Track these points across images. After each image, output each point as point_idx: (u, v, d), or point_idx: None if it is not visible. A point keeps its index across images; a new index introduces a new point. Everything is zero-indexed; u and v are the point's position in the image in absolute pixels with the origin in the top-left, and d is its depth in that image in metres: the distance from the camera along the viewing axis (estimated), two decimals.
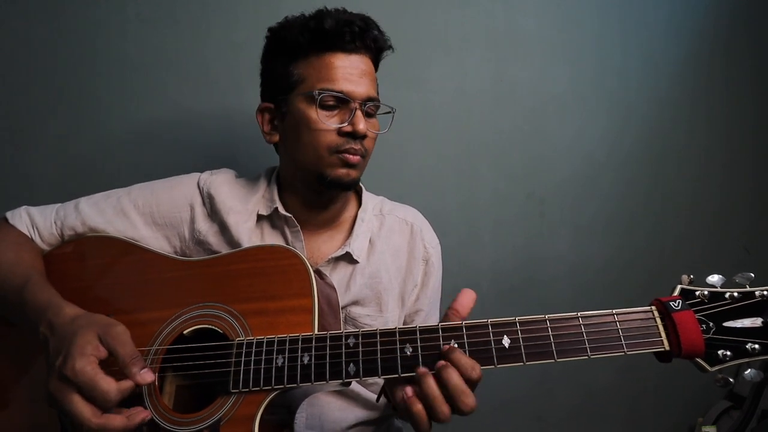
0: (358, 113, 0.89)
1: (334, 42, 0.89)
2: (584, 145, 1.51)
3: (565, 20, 1.47)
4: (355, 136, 0.89)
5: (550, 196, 1.50)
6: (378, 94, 0.98)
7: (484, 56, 1.44)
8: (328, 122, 0.89)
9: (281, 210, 0.95)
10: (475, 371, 0.64)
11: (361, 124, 0.88)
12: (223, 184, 0.98)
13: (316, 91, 0.88)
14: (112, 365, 0.67)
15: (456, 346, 0.66)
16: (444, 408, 0.63)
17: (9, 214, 0.92)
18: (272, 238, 0.96)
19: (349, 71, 0.89)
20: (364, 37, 0.90)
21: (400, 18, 1.39)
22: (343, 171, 0.91)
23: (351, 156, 0.90)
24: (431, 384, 0.64)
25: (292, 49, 0.92)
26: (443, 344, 0.67)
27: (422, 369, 0.66)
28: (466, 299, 0.71)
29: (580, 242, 1.53)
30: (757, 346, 0.62)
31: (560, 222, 1.52)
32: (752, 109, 1.59)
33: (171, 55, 1.30)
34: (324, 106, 0.89)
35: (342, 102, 0.89)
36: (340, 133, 0.89)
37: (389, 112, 0.98)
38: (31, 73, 1.26)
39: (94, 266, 0.88)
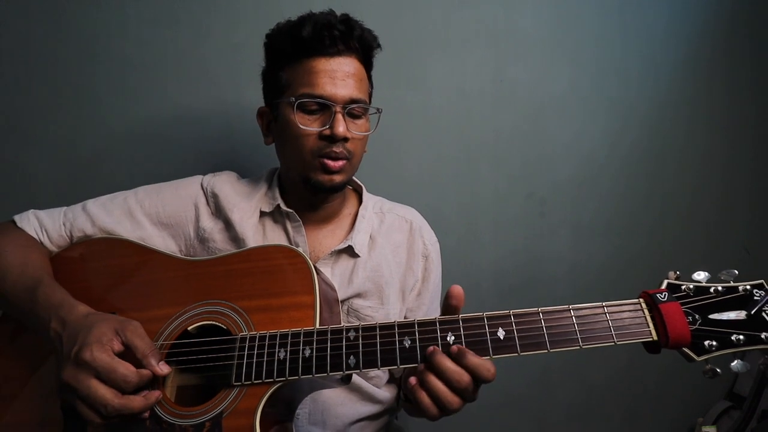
0: (338, 116, 0.89)
1: (314, 47, 0.89)
2: (584, 145, 1.51)
3: (565, 20, 1.47)
4: (334, 139, 0.89)
5: (550, 196, 1.50)
6: (369, 93, 0.99)
7: (484, 56, 1.44)
8: (308, 126, 0.90)
9: (283, 207, 0.98)
10: (464, 379, 0.66)
11: (341, 127, 0.89)
12: (225, 183, 1.02)
13: (296, 97, 0.90)
14: (127, 359, 0.70)
15: (452, 339, 0.69)
16: (450, 398, 0.66)
17: (17, 218, 0.94)
18: (274, 234, 0.98)
19: (330, 75, 0.89)
20: (347, 40, 0.91)
21: (400, 18, 1.39)
22: (325, 177, 0.92)
23: (332, 162, 0.91)
24: (431, 379, 0.67)
25: (280, 56, 0.94)
26: (440, 336, 0.69)
27: (421, 365, 0.69)
28: (459, 291, 0.72)
29: (580, 242, 1.53)
30: (741, 337, 0.65)
31: (560, 222, 1.52)
32: (752, 109, 1.59)
33: (171, 55, 1.31)
34: (306, 111, 0.91)
35: (323, 106, 0.90)
36: (321, 136, 0.90)
37: (376, 113, 0.98)
38: (31, 73, 1.26)
39: (101, 267, 0.89)
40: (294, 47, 0.91)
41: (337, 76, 0.90)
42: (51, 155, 1.28)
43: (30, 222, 0.93)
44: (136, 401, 0.68)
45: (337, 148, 0.90)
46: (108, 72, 1.29)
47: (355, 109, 0.92)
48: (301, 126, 0.90)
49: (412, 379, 0.69)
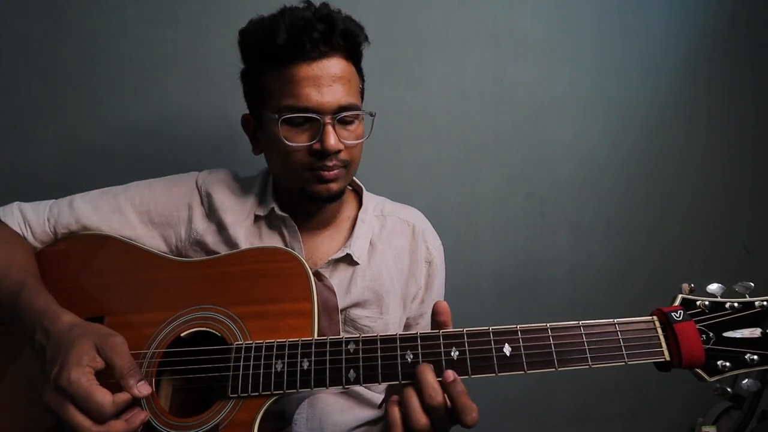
0: (328, 129, 0.82)
1: (293, 54, 0.81)
2: (584, 145, 1.51)
3: (565, 20, 1.47)
4: (326, 153, 0.83)
5: (550, 196, 1.50)
6: (360, 91, 0.92)
7: (484, 56, 1.44)
8: (296, 142, 0.84)
9: (277, 210, 0.93)
10: (436, 398, 0.63)
11: (332, 140, 0.82)
12: (220, 183, 0.97)
13: (279, 110, 0.83)
14: (109, 376, 0.67)
15: (456, 355, 0.66)
16: (418, 416, 0.63)
17: (0, 211, 0.91)
18: (270, 239, 0.94)
19: (314, 82, 0.81)
20: (329, 39, 0.82)
21: (400, 18, 1.39)
22: (322, 187, 0.87)
23: (326, 173, 0.85)
24: (409, 393, 0.64)
25: (257, 61, 0.87)
26: (444, 351, 0.66)
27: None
28: (446, 307, 0.70)
29: (580, 242, 1.53)
30: (756, 356, 0.62)
31: (560, 222, 1.51)
32: (752, 109, 1.58)
33: (171, 55, 1.30)
34: (292, 124, 0.84)
35: (310, 118, 0.83)
36: (311, 151, 0.84)
37: (371, 115, 0.91)
38: (31, 73, 1.26)
39: (88, 265, 0.86)
40: (271, 57, 0.83)
41: (323, 82, 0.82)
42: (51, 155, 1.28)
43: (14, 216, 0.90)
44: (116, 427, 0.65)
45: (330, 162, 0.84)
46: (108, 72, 1.28)
47: (347, 116, 0.85)
48: (288, 143, 0.83)
49: (395, 397, 0.66)
